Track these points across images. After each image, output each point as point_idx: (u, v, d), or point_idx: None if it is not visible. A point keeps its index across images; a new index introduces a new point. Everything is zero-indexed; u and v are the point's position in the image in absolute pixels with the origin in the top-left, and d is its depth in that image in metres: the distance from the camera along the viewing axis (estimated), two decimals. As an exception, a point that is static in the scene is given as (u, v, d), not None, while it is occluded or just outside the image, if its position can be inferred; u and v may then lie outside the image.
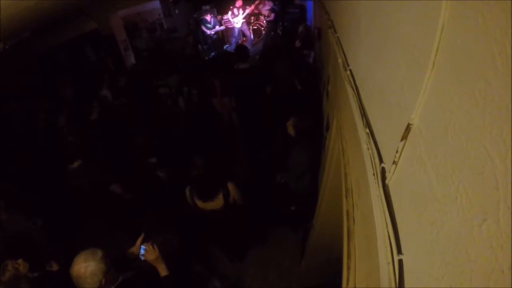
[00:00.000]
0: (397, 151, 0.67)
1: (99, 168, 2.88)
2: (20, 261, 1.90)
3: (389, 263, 0.63)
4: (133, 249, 1.82)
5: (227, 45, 8.35)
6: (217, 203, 2.30)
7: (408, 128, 0.62)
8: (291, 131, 2.47)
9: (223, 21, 8.18)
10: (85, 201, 3.09)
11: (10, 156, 3.28)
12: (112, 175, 2.93)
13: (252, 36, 8.17)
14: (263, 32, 7.75)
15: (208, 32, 7.93)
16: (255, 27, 8.03)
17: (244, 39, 8.21)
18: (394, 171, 0.70)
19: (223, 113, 3.93)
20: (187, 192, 2.34)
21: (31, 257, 1.99)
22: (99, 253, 1.56)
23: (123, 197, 3.02)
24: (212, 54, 7.96)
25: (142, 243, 1.79)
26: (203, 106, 3.78)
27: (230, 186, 2.32)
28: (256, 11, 7.95)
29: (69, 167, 2.72)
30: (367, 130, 0.95)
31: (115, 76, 4.70)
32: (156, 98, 4.14)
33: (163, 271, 1.74)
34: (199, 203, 2.31)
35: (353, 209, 1.19)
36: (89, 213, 3.40)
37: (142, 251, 1.76)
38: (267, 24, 7.76)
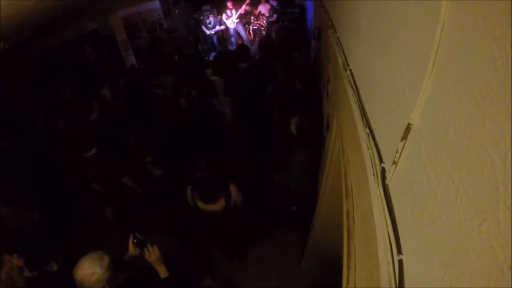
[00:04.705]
0: (397, 151, 0.67)
1: (114, 158, 2.88)
2: (15, 255, 1.90)
3: (389, 263, 0.63)
4: (129, 254, 1.82)
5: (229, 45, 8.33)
6: (218, 205, 2.30)
7: (408, 128, 0.62)
8: (293, 130, 2.47)
9: (223, 21, 8.17)
10: (92, 194, 3.09)
11: (10, 155, 3.28)
12: (124, 167, 2.93)
13: (248, 36, 8.16)
14: (263, 32, 7.74)
15: (208, 32, 7.92)
16: (255, 27, 8.02)
17: (240, 42, 8.19)
18: (394, 171, 0.70)
19: (223, 113, 3.93)
20: (188, 191, 2.34)
21: (30, 255, 1.99)
22: (106, 260, 1.56)
23: (135, 191, 3.02)
24: (213, 54, 7.95)
25: (133, 242, 1.78)
26: (204, 106, 3.78)
27: (232, 188, 2.32)
28: (249, 10, 7.93)
29: (84, 155, 2.73)
30: (367, 130, 0.95)
31: (114, 76, 4.71)
32: (152, 98, 4.13)
33: (163, 273, 1.74)
34: (200, 204, 2.31)
35: (353, 209, 1.18)
36: (89, 211, 3.40)
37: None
38: (267, 24, 7.76)
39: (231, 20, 7.83)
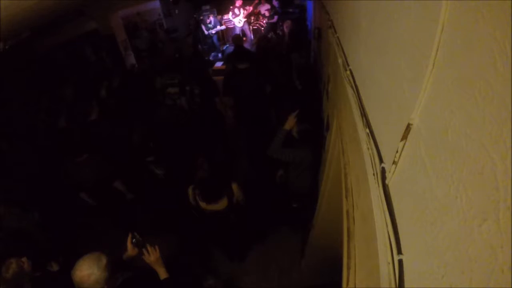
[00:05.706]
0: (397, 151, 0.67)
1: (106, 161, 2.87)
2: (24, 259, 1.89)
3: (389, 263, 0.63)
4: (128, 254, 1.81)
5: (227, 45, 8.34)
6: (221, 204, 2.30)
7: (408, 128, 0.62)
8: (295, 133, 2.48)
9: (223, 21, 8.17)
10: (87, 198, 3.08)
11: (10, 156, 3.28)
12: (116, 170, 2.92)
13: (252, 36, 8.17)
14: (263, 32, 7.74)
15: (208, 32, 7.92)
16: (255, 27, 8.02)
17: (244, 39, 8.20)
18: (394, 171, 0.70)
19: (224, 112, 3.93)
20: (190, 191, 2.34)
21: (31, 256, 1.99)
22: (104, 260, 1.55)
23: (125, 196, 3.01)
24: (213, 54, 7.95)
25: (132, 241, 1.78)
26: (205, 105, 3.78)
27: (234, 187, 2.31)
28: (256, 11, 7.94)
29: (76, 160, 2.73)
30: (367, 130, 0.95)
31: (112, 76, 4.71)
32: (162, 97, 4.11)
33: (163, 274, 1.73)
34: (202, 204, 2.30)
35: (353, 209, 1.18)
36: (88, 212, 3.40)
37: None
38: (266, 24, 7.76)
39: (238, 19, 7.83)
